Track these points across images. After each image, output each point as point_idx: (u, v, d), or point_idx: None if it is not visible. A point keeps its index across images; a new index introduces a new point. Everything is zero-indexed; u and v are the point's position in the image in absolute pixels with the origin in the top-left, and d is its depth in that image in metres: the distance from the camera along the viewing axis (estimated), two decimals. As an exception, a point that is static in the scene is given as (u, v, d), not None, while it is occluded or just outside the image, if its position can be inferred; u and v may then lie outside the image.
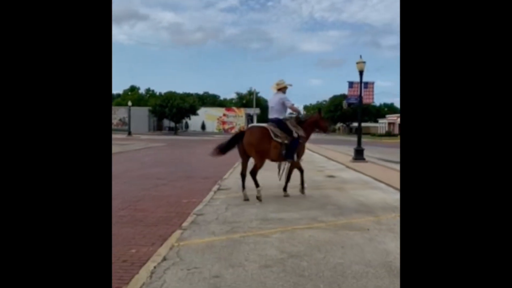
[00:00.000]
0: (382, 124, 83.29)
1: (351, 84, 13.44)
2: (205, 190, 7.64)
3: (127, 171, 10.69)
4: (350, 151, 22.05)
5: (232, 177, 9.63)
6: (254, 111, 59.16)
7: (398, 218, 5.17)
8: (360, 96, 13.11)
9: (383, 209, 5.99)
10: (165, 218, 5.38)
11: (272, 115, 6.80)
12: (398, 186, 8.25)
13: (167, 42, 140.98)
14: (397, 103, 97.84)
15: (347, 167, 12.37)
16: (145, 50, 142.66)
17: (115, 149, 19.85)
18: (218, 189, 7.82)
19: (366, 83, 13.38)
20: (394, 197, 7.06)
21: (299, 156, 6.98)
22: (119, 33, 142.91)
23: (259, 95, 70.08)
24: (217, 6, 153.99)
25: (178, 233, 4.58)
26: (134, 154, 17.57)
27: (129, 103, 42.56)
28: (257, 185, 6.49)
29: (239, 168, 11.45)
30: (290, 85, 6.95)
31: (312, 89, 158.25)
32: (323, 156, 17.07)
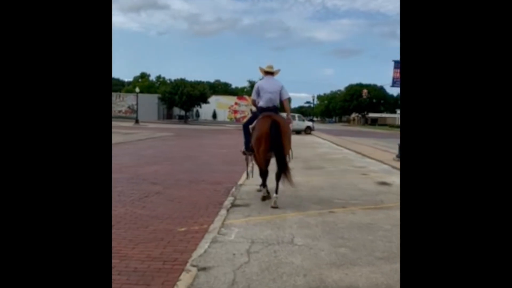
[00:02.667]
0: (399, 115, 79.53)
1: (397, 64, 10.80)
2: (213, 206, 5.26)
3: (117, 171, 8.35)
4: (379, 144, 19.52)
5: (252, 182, 7.21)
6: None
7: None
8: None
9: None
10: (140, 276, 3.00)
11: (268, 103, 5.57)
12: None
13: (185, 32, 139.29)
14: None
15: (394, 167, 9.82)
16: (161, 39, 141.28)
17: (115, 139, 17.61)
18: (233, 204, 5.42)
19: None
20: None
21: None
22: (133, 22, 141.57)
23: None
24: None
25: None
26: (135, 145, 15.28)
27: (137, 89, 40.41)
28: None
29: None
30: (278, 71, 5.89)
31: (325, 78, 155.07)
32: (354, 152, 14.51)
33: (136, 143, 16.41)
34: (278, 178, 5.25)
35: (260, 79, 5.97)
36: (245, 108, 61.29)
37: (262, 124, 5.21)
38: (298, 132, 30.66)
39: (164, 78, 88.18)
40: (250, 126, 5.68)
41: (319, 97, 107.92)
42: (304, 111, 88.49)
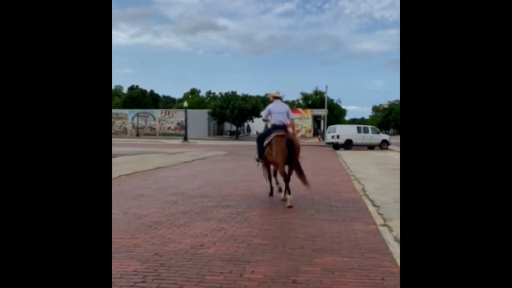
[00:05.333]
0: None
1: None
2: None
3: (125, 243, 4.23)
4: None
5: None
6: (325, 112, 51.43)
7: None
8: None
9: None
10: None
11: (278, 122, 6.96)
12: None
13: (237, 51, 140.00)
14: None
15: None
16: (213, 59, 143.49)
17: (155, 162, 13.92)
18: None
19: None
20: None
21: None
22: (184, 42, 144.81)
23: (326, 94, 61.98)
24: (274, 12, 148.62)
25: None
26: (178, 172, 11.38)
27: (185, 104, 37.59)
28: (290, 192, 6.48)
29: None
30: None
31: (375, 90, 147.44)
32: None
33: (179, 167, 12.56)
34: (287, 180, 6.55)
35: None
36: (299, 121, 56.54)
37: (280, 142, 6.48)
38: (371, 147, 25.50)
39: (214, 93, 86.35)
40: (266, 141, 6.83)
41: (375, 108, 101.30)
42: (356, 124, 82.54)
